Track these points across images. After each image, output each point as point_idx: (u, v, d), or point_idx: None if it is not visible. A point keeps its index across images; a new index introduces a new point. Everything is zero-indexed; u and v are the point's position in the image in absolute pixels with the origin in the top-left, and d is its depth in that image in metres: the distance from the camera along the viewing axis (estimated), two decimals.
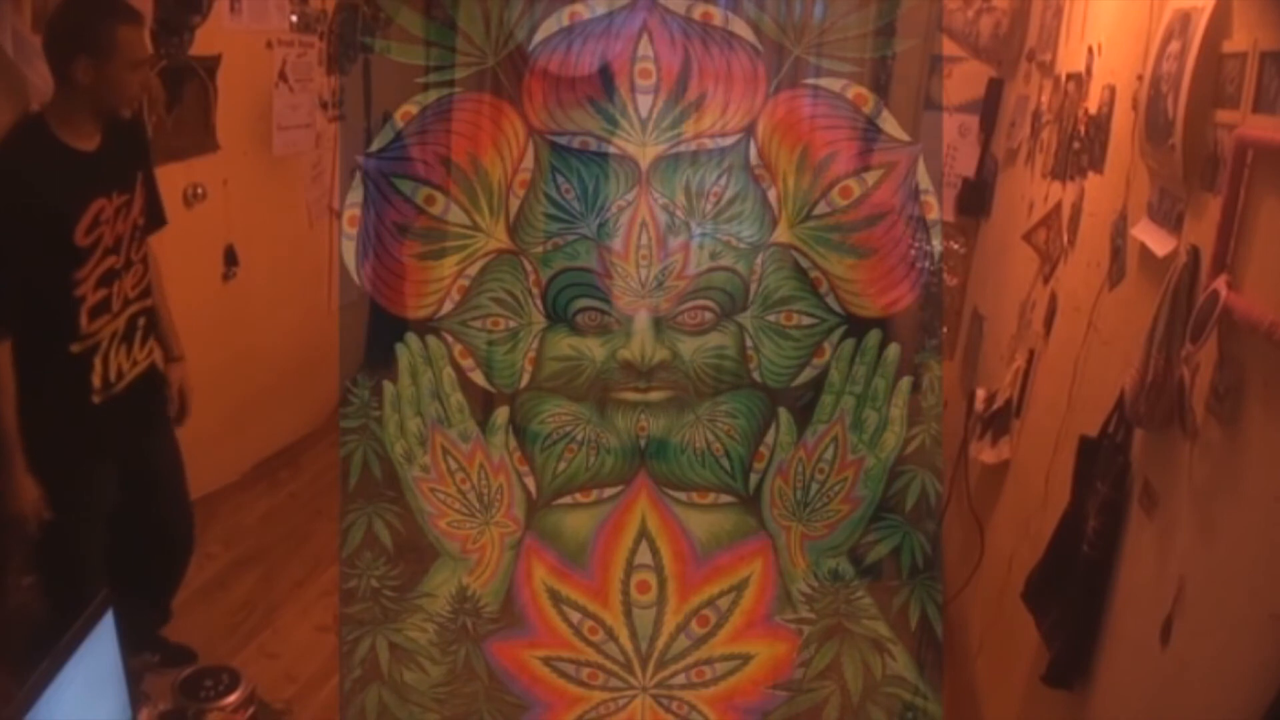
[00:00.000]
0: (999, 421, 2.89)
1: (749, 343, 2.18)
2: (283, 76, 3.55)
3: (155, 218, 2.53)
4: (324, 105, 3.87)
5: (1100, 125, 2.42)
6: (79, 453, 2.35)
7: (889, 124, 2.17)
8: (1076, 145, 2.60)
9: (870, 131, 2.14)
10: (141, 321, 2.44)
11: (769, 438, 2.20)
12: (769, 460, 2.20)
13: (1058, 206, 2.72)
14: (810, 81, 2.12)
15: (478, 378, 2.16)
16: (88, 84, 2.15)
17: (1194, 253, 1.69)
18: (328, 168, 3.97)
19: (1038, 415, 2.64)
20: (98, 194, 2.24)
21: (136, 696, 1.77)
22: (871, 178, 2.16)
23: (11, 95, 2.36)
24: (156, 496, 2.63)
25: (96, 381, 2.34)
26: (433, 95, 2.06)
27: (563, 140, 2.08)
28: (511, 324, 2.14)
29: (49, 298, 2.22)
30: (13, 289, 2.16)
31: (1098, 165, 2.43)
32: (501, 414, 2.17)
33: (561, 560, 2.18)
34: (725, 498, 2.21)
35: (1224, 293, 1.49)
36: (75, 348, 2.27)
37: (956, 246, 4.08)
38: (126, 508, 2.50)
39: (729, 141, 2.10)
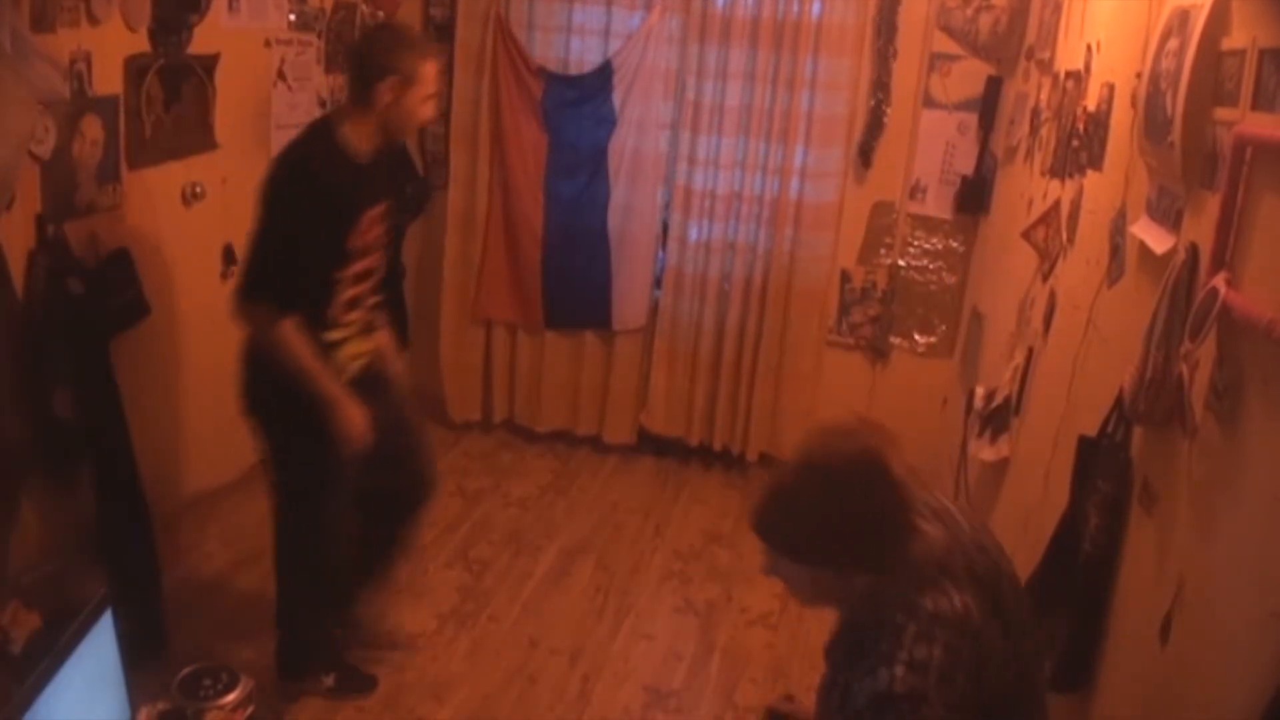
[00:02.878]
0: (998, 419, 2.89)
1: None
2: (281, 75, 3.54)
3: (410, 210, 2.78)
4: (322, 104, 3.85)
5: (1099, 123, 2.42)
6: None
7: None
8: (1075, 143, 2.60)
9: None
10: (372, 319, 2.61)
11: None
12: None
13: (1057, 204, 2.72)
14: None
15: None
16: (385, 104, 2.34)
17: (1193, 250, 1.69)
18: None
19: (1037, 413, 2.64)
20: (367, 204, 2.44)
21: (135, 696, 1.77)
22: None
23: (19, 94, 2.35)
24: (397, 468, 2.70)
25: (347, 365, 2.51)
26: None
27: None
28: None
29: (316, 288, 2.40)
30: (296, 274, 2.35)
31: (1096, 163, 2.42)
32: None
33: None
34: None
35: (1223, 290, 1.49)
36: (333, 335, 2.46)
37: (956, 244, 4.09)
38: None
39: None
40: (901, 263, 4.15)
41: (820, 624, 3.29)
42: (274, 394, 2.45)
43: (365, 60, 2.38)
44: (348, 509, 2.61)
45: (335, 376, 2.43)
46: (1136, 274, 2.05)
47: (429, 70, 2.38)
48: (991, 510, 2.94)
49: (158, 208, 3.01)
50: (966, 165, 3.96)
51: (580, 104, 4.13)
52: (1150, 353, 1.70)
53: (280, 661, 2.69)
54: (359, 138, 2.39)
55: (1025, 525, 2.48)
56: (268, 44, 3.46)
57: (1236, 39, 1.63)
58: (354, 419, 2.42)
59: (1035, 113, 3.18)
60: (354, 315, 2.52)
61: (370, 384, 2.59)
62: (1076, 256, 2.51)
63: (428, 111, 2.44)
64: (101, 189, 2.72)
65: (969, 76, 3.89)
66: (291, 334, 2.35)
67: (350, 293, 2.48)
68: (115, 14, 2.71)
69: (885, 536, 1.42)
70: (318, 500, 2.55)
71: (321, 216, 2.34)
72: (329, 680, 2.71)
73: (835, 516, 1.41)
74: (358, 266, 2.47)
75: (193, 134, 3.14)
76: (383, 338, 2.71)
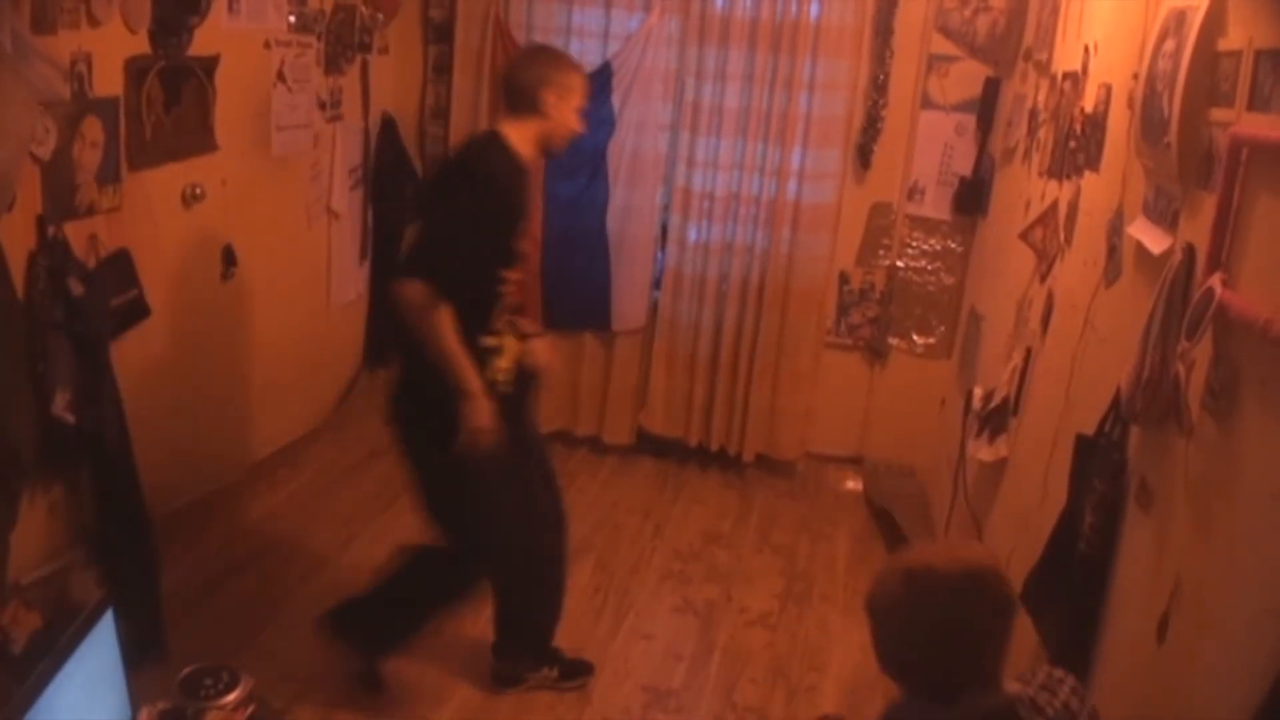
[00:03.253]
0: (996, 419, 2.89)
1: None
2: (281, 77, 3.54)
3: None
4: (322, 105, 3.86)
5: (1096, 124, 2.43)
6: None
7: None
8: (1073, 144, 2.61)
9: None
10: (523, 331, 2.65)
11: None
12: None
13: (1054, 205, 2.72)
14: None
15: None
16: (549, 111, 2.46)
17: (1189, 250, 1.70)
18: (326, 168, 3.97)
19: (1035, 413, 2.65)
20: (527, 209, 2.58)
21: (136, 695, 1.77)
22: None
23: (20, 94, 2.36)
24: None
25: (498, 377, 2.51)
26: None
27: None
28: None
29: (482, 285, 2.45)
30: (466, 266, 2.38)
31: (1094, 164, 2.43)
32: None
33: None
34: None
35: (1219, 290, 1.49)
36: (489, 342, 2.47)
37: (954, 245, 4.09)
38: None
39: None
40: (900, 264, 4.16)
41: (819, 624, 3.30)
42: (436, 398, 2.42)
43: (525, 73, 2.50)
44: (531, 496, 2.66)
45: (477, 370, 2.42)
46: (1133, 274, 2.05)
47: (581, 81, 2.54)
48: (990, 510, 2.95)
49: (158, 209, 3.02)
50: (964, 166, 3.97)
51: None
52: (1147, 352, 1.71)
53: (503, 669, 2.83)
54: (522, 145, 2.48)
55: (1024, 525, 2.48)
56: (267, 45, 3.47)
57: (1232, 40, 1.64)
58: (484, 414, 2.42)
59: (1033, 114, 3.18)
60: (502, 324, 2.54)
61: (522, 392, 2.62)
62: (1074, 257, 2.52)
63: (578, 123, 2.54)
64: (102, 190, 2.73)
65: (967, 78, 3.90)
66: (446, 318, 2.35)
67: (509, 299, 2.53)
68: (115, 15, 2.72)
69: (934, 662, 1.44)
70: (506, 496, 2.56)
71: (499, 211, 2.42)
72: (552, 673, 2.84)
73: (905, 620, 1.45)
74: (516, 274, 2.53)
75: (193, 135, 3.15)
76: (536, 346, 2.73)
